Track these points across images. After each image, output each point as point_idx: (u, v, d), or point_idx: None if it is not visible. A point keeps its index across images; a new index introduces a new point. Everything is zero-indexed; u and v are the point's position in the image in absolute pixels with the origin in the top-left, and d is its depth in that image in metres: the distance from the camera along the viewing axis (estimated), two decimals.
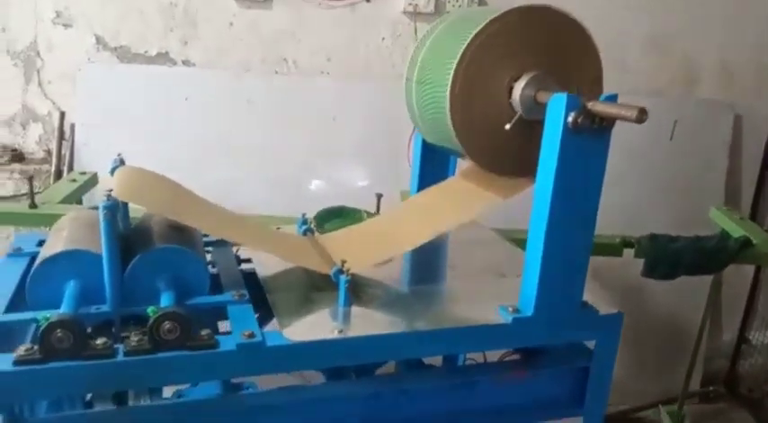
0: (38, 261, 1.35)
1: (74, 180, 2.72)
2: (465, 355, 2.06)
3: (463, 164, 1.78)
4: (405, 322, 1.43)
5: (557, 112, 1.32)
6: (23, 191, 3.08)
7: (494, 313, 1.45)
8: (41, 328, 1.13)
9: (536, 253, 1.40)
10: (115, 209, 1.28)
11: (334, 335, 1.33)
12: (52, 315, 1.15)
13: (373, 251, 1.66)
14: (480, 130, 1.53)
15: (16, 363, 1.13)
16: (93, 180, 2.78)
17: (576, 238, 1.41)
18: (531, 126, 1.48)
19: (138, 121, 3.14)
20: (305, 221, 1.87)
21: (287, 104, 3.20)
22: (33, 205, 2.34)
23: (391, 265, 1.74)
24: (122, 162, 1.59)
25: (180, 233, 1.51)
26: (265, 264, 1.68)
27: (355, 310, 1.46)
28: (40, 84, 3.24)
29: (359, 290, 1.53)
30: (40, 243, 1.69)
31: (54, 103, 3.25)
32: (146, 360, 1.19)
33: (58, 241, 1.41)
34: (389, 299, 1.57)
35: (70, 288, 1.32)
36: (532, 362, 1.58)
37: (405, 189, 2.32)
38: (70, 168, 3.14)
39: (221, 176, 3.09)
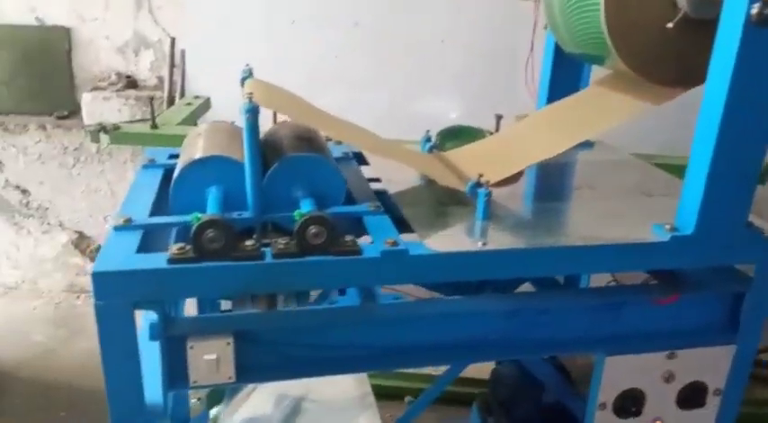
0: (180, 167, 1.34)
1: (189, 104, 2.75)
2: (589, 279, 1.97)
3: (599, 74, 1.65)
4: (551, 238, 1.34)
5: (737, 4, 1.16)
6: (139, 117, 3.16)
7: (648, 232, 1.34)
8: (194, 227, 1.12)
9: (701, 165, 1.27)
10: (257, 112, 1.25)
11: (478, 247, 1.27)
12: (203, 215, 1.14)
13: (506, 163, 1.56)
14: (637, 29, 1.38)
15: (171, 261, 1.13)
16: (206, 104, 2.81)
17: (749, 150, 1.27)
18: (696, 25, 1.33)
19: (245, 45, 3.12)
20: (429, 139, 1.80)
21: (395, 26, 3.09)
22: (155, 126, 2.38)
23: (520, 185, 1.65)
24: (251, 73, 1.55)
25: (310, 144, 1.47)
26: (392, 181, 1.63)
27: (494, 224, 1.39)
28: (150, 10, 3.27)
29: (492, 206, 1.45)
30: (171, 156, 1.71)
31: (164, 30, 3.28)
32: (293, 263, 1.17)
33: (195, 150, 1.40)
34: (528, 216, 1.49)
35: (213, 193, 1.31)
36: (680, 286, 1.47)
37: (520, 113, 2.20)
38: (182, 94, 3.19)
39: (327, 102, 3.05)
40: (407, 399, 2.73)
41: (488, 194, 1.38)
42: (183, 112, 2.63)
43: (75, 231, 3.56)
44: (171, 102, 3.15)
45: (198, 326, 1.24)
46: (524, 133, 1.72)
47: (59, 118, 3.40)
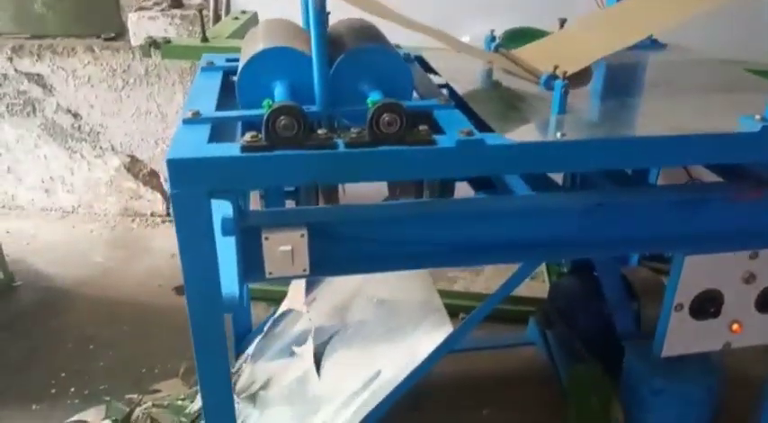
0: (244, 59, 1.30)
1: (236, 18, 2.69)
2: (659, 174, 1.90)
3: None
4: (632, 130, 1.28)
5: None
6: (185, 36, 3.12)
7: (735, 123, 1.26)
8: (266, 114, 1.09)
9: None
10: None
11: (557, 137, 1.21)
12: (276, 102, 1.11)
13: (577, 57, 1.48)
14: None
15: (244, 149, 1.10)
16: (254, 19, 2.74)
17: None
18: None
19: None
20: (493, 38, 1.72)
21: None
22: (205, 39, 2.33)
23: (593, 84, 1.57)
24: None
25: (372, 38, 1.41)
26: (457, 81, 1.57)
27: (571, 118, 1.32)
28: None
29: (568, 102, 1.38)
30: (229, 60, 1.67)
31: None
32: (366, 153, 1.14)
33: (257, 44, 1.35)
34: (606, 110, 1.42)
35: (280, 86, 1.27)
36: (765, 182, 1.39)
37: None
38: (227, 11, 3.12)
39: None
40: (462, 316, 2.74)
41: (565, 86, 1.31)
42: (231, 26, 2.57)
43: (128, 155, 3.59)
44: (217, 19, 3.09)
45: (272, 218, 1.23)
46: (592, 28, 1.63)
47: (106, 40, 3.37)
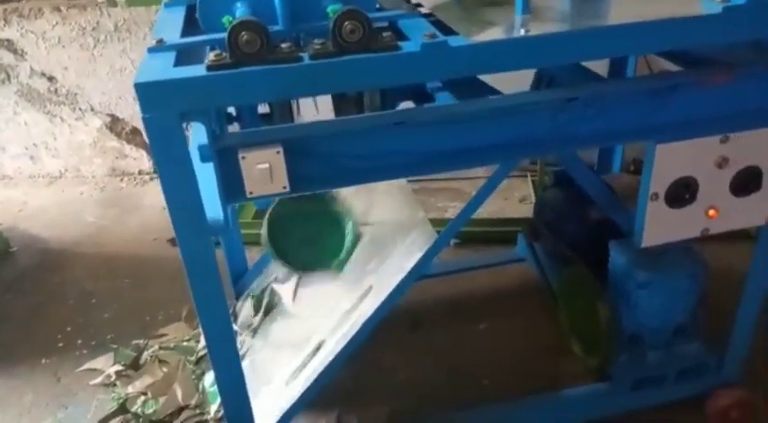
0: None
1: None
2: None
3: None
4: (597, 21, 1.28)
5: None
6: None
7: (697, 6, 1.27)
8: (228, 29, 1.10)
9: None
10: None
11: (522, 34, 1.22)
12: (236, 18, 1.11)
13: None
14: None
15: (209, 68, 1.11)
16: None
17: None
18: None
19: None
20: None
21: None
22: None
23: None
24: None
25: None
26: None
27: (536, 17, 1.32)
28: None
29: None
30: None
31: None
32: (331, 64, 1.14)
33: None
34: (568, 8, 1.42)
35: (241, 6, 1.27)
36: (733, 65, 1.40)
37: None
38: None
39: None
40: (455, 241, 2.79)
41: None
42: None
43: (108, 114, 3.57)
44: None
45: (247, 137, 1.24)
46: None
47: None
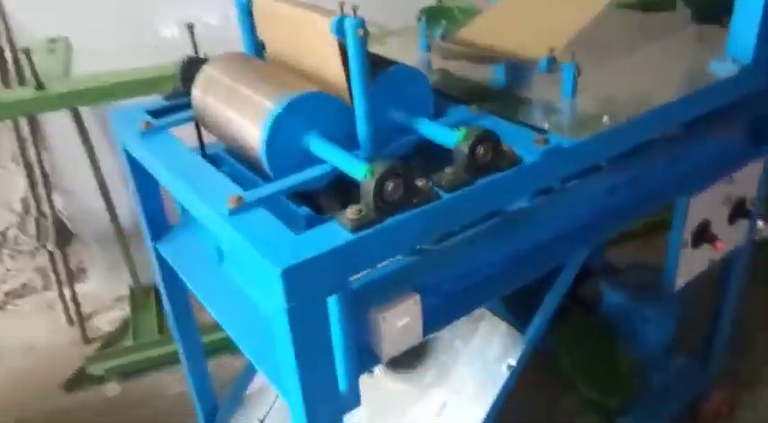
0: (264, 118, 1.05)
1: (52, 51, 2.20)
2: None
3: None
4: (647, 99, 1.30)
5: None
6: None
7: (706, 70, 1.37)
8: (373, 183, 0.91)
9: None
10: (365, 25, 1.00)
11: (606, 122, 1.20)
12: (373, 165, 0.92)
13: (555, 26, 1.44)
14: None
15: (355, 229, 0.91)
16: (69, 47, 2.27)
17: None
18: None
19: None
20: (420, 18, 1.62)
21: None
22: (40, 86, 1.87)
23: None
24: None
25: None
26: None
27: (582, 99, 1.31)
28: None
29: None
30: (155, 113, 1.36)
31: None
32: (469, 193, 1.01)
33: (258, 93, 1.10)
34: (597, 84, 1.43)
35: (318, 140, 1.07)
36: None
37: None
38: (12, 46, 2.51)
39: None
40: None
41: (576, 66, 1.29)
42: (55, 62, 2.09)
43: None
44: (15, 61, 2.46)
45: (380, 292, 1.04)
46: None
47: None
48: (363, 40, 1.00)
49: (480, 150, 1.01)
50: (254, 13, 1.28)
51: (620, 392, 1.93)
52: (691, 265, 1.62)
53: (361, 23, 0.99)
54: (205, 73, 1.25)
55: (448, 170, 1.02)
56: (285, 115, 1.05)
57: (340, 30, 1.02)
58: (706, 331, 2.04)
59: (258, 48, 1.35)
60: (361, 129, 1.08)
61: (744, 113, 1.55)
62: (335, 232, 0.92)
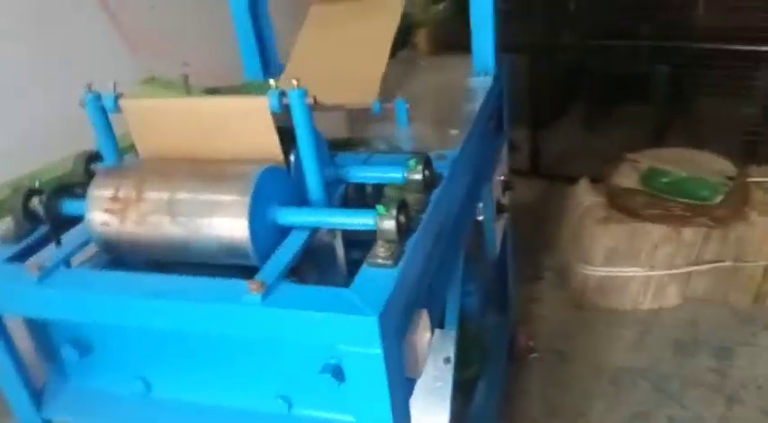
0: (234, 207, 1.03)
1: None
2: None
3: None
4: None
5: None
6: None
7: (470, 84, 1.78)
8: (394, 213, 1.01)
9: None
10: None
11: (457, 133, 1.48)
12: (383, 202, 1.02)
13: (359, 79, 1.65)
14: None
15: (395, 263, 1.00)
16: None
17: None
18: None
19: None
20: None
21: None
22: None
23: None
24: None
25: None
26: None
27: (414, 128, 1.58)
28: None
29: None
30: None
31: None
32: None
33: (187, 203, 1.07)
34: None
35: (286, 211, 1.11)
36: None
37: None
38: None
39: None
40: None
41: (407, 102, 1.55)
42: None
43: None
44: None
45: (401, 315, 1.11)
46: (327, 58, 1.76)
47: None
48: (310, 107, 1.08)
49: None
50: (129, 115, 1.20)
51: (475, 365, 2.25)
52: (497, 233, 2.02)
53: (305, 92, 1.08)
54: (104, 191, 1.11)
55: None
56: (256, 197, 1.05)
57: (278, 104, 1.08)
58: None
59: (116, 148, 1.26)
60: (314, 185, 1.15)
61: (493, 111, 2.00)
62: (377, 273, 0.99)
